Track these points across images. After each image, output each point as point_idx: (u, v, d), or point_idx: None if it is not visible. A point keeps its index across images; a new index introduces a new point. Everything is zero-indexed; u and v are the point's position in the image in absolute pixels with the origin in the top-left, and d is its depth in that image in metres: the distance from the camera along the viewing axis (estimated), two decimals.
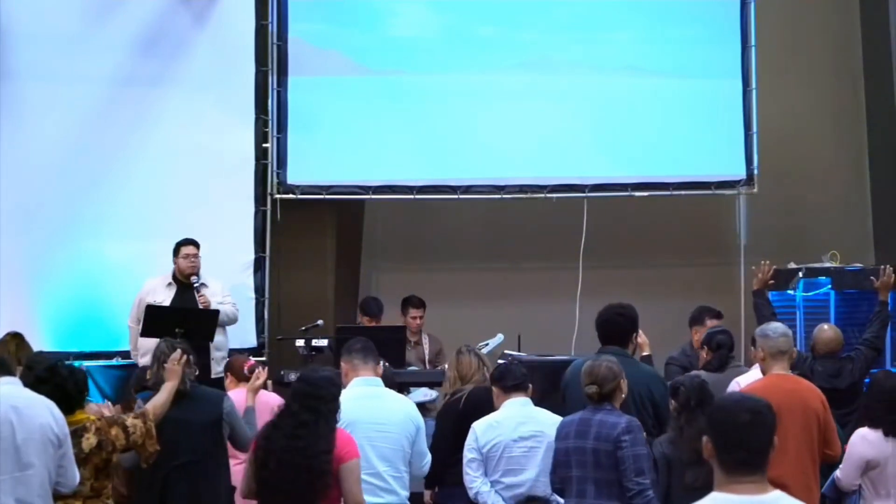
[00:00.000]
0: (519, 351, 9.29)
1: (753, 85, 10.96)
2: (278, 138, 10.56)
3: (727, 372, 7.46)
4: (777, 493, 3.42)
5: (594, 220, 10.95)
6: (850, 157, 12.14)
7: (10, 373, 5.60)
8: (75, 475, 5.42)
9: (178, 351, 6.50)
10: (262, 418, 6.51)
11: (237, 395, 7.06)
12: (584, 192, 10.86)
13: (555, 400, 6.86)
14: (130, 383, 8.30)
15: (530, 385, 6.46)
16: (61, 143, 10.09)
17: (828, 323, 8.61)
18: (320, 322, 9.63)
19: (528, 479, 6.23)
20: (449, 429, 6.88)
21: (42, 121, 10.05)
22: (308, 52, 10.66)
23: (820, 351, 7.85)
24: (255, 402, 6.96)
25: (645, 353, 7.49)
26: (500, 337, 9.66)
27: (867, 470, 6.52)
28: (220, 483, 6.62)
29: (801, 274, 9.89)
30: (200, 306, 9.11)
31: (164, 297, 9.24)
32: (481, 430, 6.30)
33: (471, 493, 6.30)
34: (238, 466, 6.87)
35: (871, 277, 8.65)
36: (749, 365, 7.73)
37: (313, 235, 11.01)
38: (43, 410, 5.33)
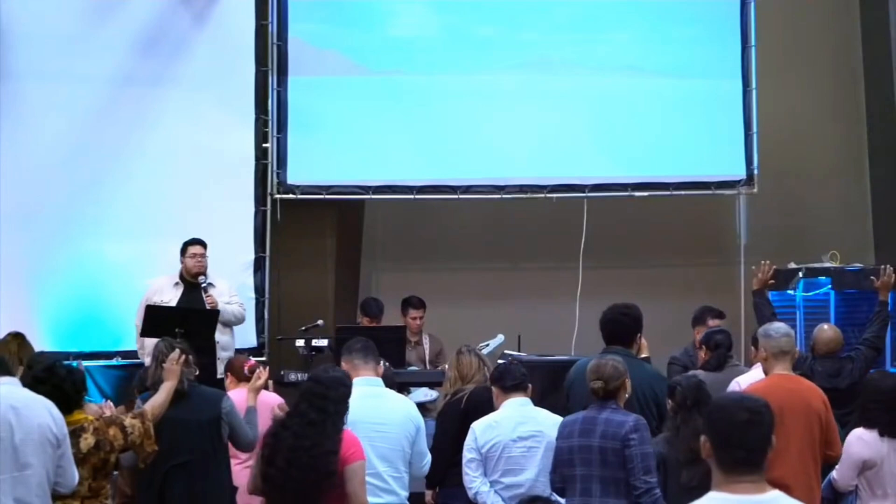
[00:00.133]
0: (519, 351, 9.30)
1: (753, 85, 10.95)
2: (278, 138, 10.56)
3: (725, 371, 7.47)
4: (775, 493, 3.41)
5: (594, 220, 10.95)
6: (850, 157, 12.13)
7: (10, 373, 5.60)
8: (74, 475, 5.41)
9: (177, 351, 6.48)
10: (263, 418, 6.53)
11: (237, 395, 7.04)
12: (584, 192, 10.86)
13: (555, 400, 6.87)
14: (133, 383, 8.29)
15: (530, 385, 6.45)
16: (61, 143, 10.10)
17: (828, 323, 8.61)
18: (320, 322, 9.64)
19: (527, 479, 6.21)
20: (450, 429, 6.87)
21: (42, 121, 10.06)
22: (308, 52, 10.67)
23: (820, 351, 7.84)
24: (256, 402, 6.95)
25: (643, 356, 7.47)
26: (500, 338, 9.67)
27: (863, 470, 6.50)
28: (220, 482, 6.61)
29: (801, 274, 9.89)
30: (208, 306, 9.10)
31: (172, 296, 9.23)
32: (480, 430, 6.29)
33: (470, 494, 6.29)
34: (239, 466, 6.89)
35: (871, 277, 8.63)
36: (749, 365, 7.73)
37: (313, 235, 11.01)
38: (41, 410, 5.32)
